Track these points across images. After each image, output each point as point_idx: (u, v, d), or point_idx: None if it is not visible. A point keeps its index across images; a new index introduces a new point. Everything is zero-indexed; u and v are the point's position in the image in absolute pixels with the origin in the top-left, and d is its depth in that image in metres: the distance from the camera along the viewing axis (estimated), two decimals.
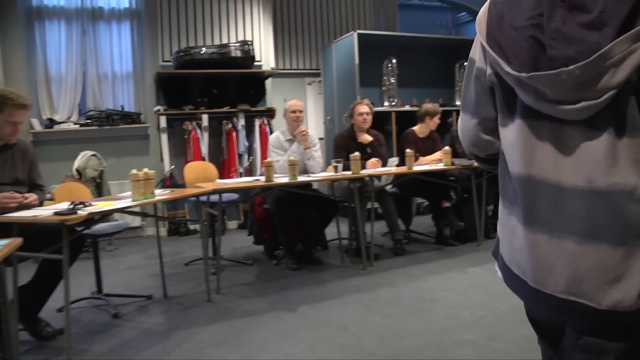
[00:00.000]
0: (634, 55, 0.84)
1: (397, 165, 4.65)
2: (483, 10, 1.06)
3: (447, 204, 4.64)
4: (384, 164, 4.47)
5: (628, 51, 0.84)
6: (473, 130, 1.13)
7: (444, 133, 5.41)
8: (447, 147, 4.51)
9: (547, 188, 0.96)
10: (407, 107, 6.22)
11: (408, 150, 4.28)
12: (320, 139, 6.78)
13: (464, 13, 9.77)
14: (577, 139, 0.92)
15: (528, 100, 0.95)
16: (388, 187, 4.69)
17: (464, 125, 1.16)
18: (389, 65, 6.21)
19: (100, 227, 3.44)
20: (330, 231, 4.53)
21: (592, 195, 0.91)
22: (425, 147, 4.82)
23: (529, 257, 0.99)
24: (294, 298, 3.37)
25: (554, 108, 0.92)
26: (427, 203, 6.09)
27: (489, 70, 1.04)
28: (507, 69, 0.95)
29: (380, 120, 6.08)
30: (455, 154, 4.89)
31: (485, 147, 1.15)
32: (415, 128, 4.86)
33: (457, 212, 4.79)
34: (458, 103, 6.45)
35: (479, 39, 1.05)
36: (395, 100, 6.23)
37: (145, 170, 3.05)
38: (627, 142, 0.89)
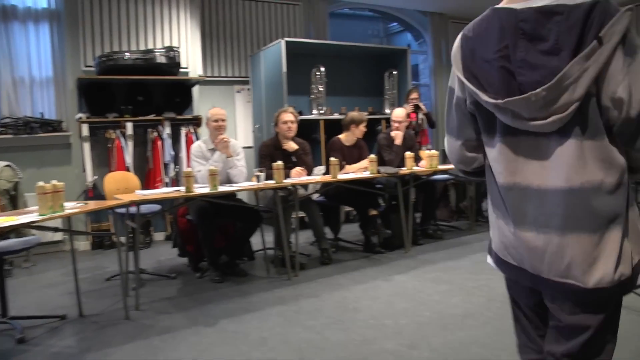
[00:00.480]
0: (588, 72, 1.04)
1: (324, 174, 4.64)
2: (456, 46, 1.25)
3: (373, 212, 4.67)
4: (310, 173, 4.45)
5: (583, 69, 1.04)
6: (459, 150, 1.33)
7: (373, 141, 5.45)
8: (372, 155, 4.54)
9: (531, 192, 1.15)
10: (336, 115, 6.24)
11: (332, 158, 4.28)
12: (249, 147, 6.72)
13: (395, 24, 9.95)
14: (551, 147, 1.12)
15: (507, 120, 1.14)
16: (315, 196, 4.67)
17: (451, 146, 1.35)
18: (318, 73, 6.22)
19: (6, 243, 3.21)
20: (258, 241, 4.45)
21: (569, 193, 1.10)
22: (352, 155, 4.83)
23: (523, 250, 1.20)
24: (214, 312, 3.27)
25: (530, 124, 1.11)
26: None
27: (468, 99, 1.23)
28: (485, 97, 1.14)
29: (308, 129, 6.07)
30: (382, 162, 4.94)
31: (470, 163, 1.34)
32: (342, 136, 4.87)
33: (384, 219, 4.84)
34: (387, 111, 6.54)
35: (456, 72, 1.23)
36: (324, 108, 6.24)
37: (54, 182, 2.88)
38: (592, 144, 1.09)
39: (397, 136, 5.05)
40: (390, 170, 4.52)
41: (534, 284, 1.23)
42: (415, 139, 5.56)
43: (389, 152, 5.05)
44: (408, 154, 4.74)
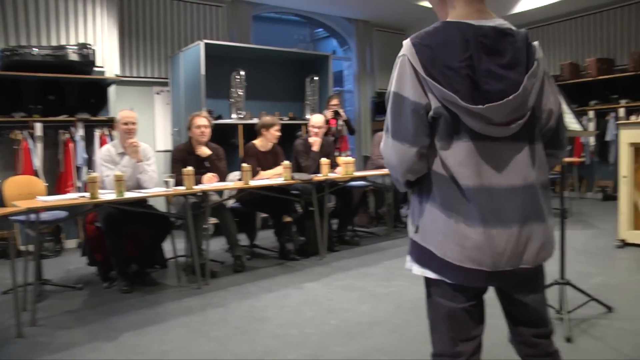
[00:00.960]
0: (535, 86, 1.28)
1: (239, 180, 4.59)
2: (410, 54, 1.27)
3: (288, 219, 4.66)
4: (223, 179, 4.38)
5: (532, 83, 1.27)
6: (412, 157, 1.31)
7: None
8: (286, 162, 4.52)
9: (495, 192, 1.28)
10: (255, 120, 6.19)
11: (244, 165, 4.23)
12: (168, 150, 6.55)
13: (320, 29, 10.03)
14: (509, 151, 1.29)
15: (476, 126, 1.25)
16: (231, 202, 4.61)
17: (402, 153, 1.31)
18: (237, 77, 6.16)
19: None
20: (172, 248, 4.31)
21: (525, 190, 1.30)
22: (267, 161, 4.81)
23: (487, 249, 1.28)
24: (118, 325, 3.14)
25: (497, 129, 1.26)
26: None
27: (435, 104, 1.26)
28: (463, 103, 1.23)
29: (227, 133, 6.00)
30: (299, 168, 4.95)
31: (418, 172, 1.34)
32: (256, 142, 4.84)
33: (300, 226, 4.84)
34: (308, 117, 6.56)
35: (420, 78, 1.26)
36: (244, 112, 6.18)
37: None
38: (536, 148, 1.33)
39: (315, 143, 5.08)
40: (304, 177, 4.53)
41: (488, 281, 1.34)
42: (333, 146, 5.61)
43: (305, 158, 5.07)
44: (324, 160, 4.77)
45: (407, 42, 1.31)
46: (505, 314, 1.49)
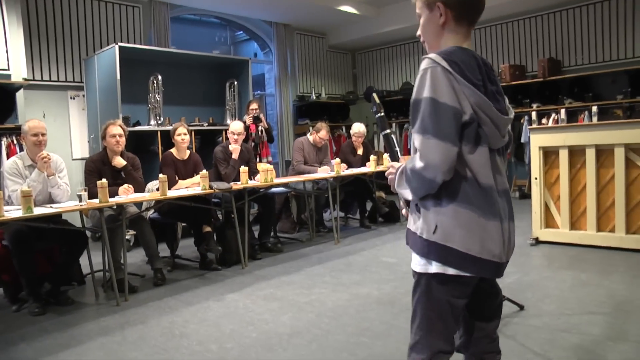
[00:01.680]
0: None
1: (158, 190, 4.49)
2: (443, 65, 1.40)
3: (207, 229, 4.61)
4: (141, 189, 4.28)
5: (510, 109, 1.56)
6: (454, 156, 1.40)
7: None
8: (204, 171, 4.47)
9: (499, 192, 1.49)
10: None
11: (161, 175, 4.15)
12: (85, 158, 6.28)
13: (240, 32, 9.97)
14: (496, 159, 1.51)
15: (492, 133, 1.45)
16: (149, 213, 4.51)
17: (446, 153, 1.38)
18: (155, 81, 6.01)
19: None
20: (94, 262, 4.14)
21: (506, 193, 1.53)
22: (186, 169, 4.75)
23: (499, 241, 1.46)
24: (26, 353, 2.98)
25: (499, 140, 1.49)
26: None
27: (470, 110, 1.41)
28: (494, 109, 1.44)
29: (146, 140, 5.85)
30: (218, 175, 4.93)
31: (452, 172, 1.43)
32: (173, 150, 4.76)
33: (221, 235, 4.81)
34: (229, 122, 6.52)
35: (456, 86, 1.40)
36: (162, 118, 6.05)
37: None
38: (503, 159, 1.59)
39: (235, 150, 5.07)
40: (223, 186, 4.51)
41: (494, 272, 1.49)
42: (253, 153, 5.62)
43: (225, 166, 5.05)
44: (243, 168, 4.78)
45: (435, 56, 1.42)
46: (474, 311, 1.63)
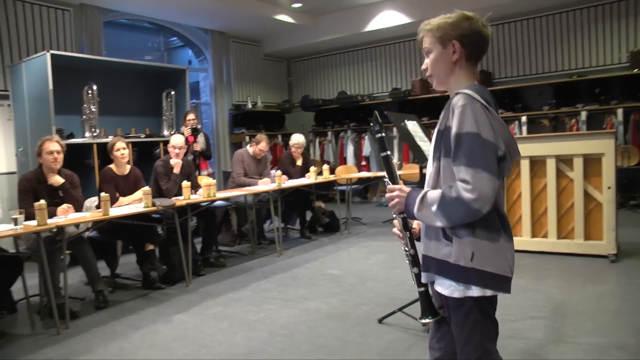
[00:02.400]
0: None
1: (97, 207, 4.32)
2: (484, 105, 1.53)
3: (150, 247, 4.47)
4: (80, 208, 4.10)
5: None
6: (497, 189, 1.50)
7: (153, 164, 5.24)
8: (147, 188, 4.35)
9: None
10: (110, 138, 5.85)
11: (103, 193, 3.99)
12: (12, 172, 5.91)
13: (174, 38, 9.75)
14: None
15: (510, 166, 1.60)
16: (88, 232, 4.32)
17: (494, 186, 1.47)
18: (89, 91, 5.76)
19: None
20: (20, 287, 3.89)
21: None
22: (127, 185, 4.60)
23: (512, 260, 1.61)
24: None
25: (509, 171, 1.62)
26: None
27: (503, 147, 1.52)
28: (517, 147, 1.62)
29: (81, 153, 5.60)
30: (159, 191, 4.80)
31: None
32: (112, 166, 4.60)
33: (164, 252, 4.69)
34: (166, 133, 6.38)
35: (495, 123, 1.52)
36: (98, 130, 5.80)
37: None
38: None
39: (176, 164, 4.97)
40: (167, 202, 4.40)
41: (509, 289, 1.61)
42: (193, 166, 5.52)
43: (166, 181, 4.94)
44: (185, 183, 4.70)
45: (472, 93, 1.53)
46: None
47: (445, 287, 1.60)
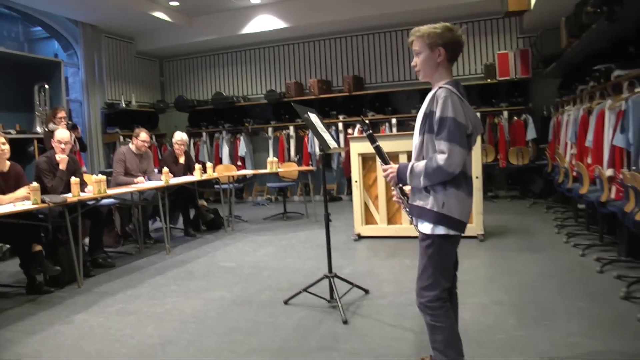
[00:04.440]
0: None
1: None
2: (458, 97, 2.07)
3: (38, 247, 4.16)
4: None
5: None
6: (465, 158, 2.09)
7: (26, 163, 4.88)
8: (35, 184, 4.08)
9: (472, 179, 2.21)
10: None
11: None
12: None
13: (38, 28, 8.98)
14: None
15: (474, 141, 2.16)
16: None
17: (463, 156, 2.06)
18: None
19: None
20: None
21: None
22: (7, 183, 4.25)
23: (468, 211, 2.17)
24: None
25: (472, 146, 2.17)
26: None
27: (470, 127, 2.09)
28: (481, 127, 2.23)
29: None
30: (43, 188, 4.51)
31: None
32: None
33: (51, 253, 4.39)
34: (39, 130, 5.94)
35: (466, 110, 2.08)
36: None
37: None
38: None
39: (62, 160, 4.70)
40: (58, 199, 4.17)
41: (463, 230, 2.18)
42: (79, 163, 5.25)
43: (51, 178, 4.65)
44: (74, 179, 4.47)
45: (450, 87, 2.07)
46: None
47: (422, 226, 2.18)
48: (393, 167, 2.21)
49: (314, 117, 3.61)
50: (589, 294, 3.52)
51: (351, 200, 9.16)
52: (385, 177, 2.24)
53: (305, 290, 3.64)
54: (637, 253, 4.15)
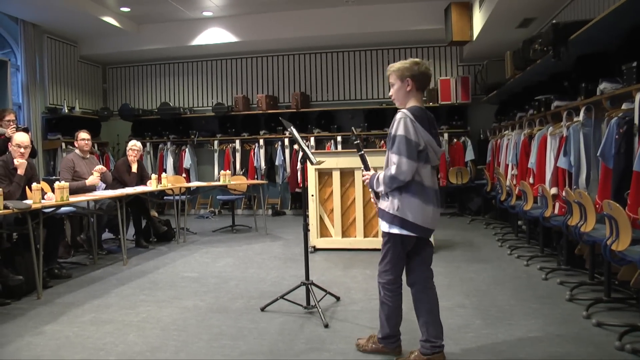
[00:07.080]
0: None
1: None
2: (411, 120, 2.53)
3: None
4: None
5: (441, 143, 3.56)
6: (414, 169, 2.53)
7: None
8: None
9: (435, 190, 2.64)
10: None
11: None
12: None
13: None
14: (433, 172, 2.69)
15: (433, 157, 2.61)
16: None
17: (412, 168, 2.52)
18: None
19: None
20: None
21: (438, 190, 2.68)
22: None
23: (431, 217, 2.61)
24: None
25: (436, 161, 2.63)
26: None
27: (423, 144, 2.53)
28: (435, 144, 2.60)
29: None
30: None
31: (411, 177, 2.56)
32: None
33: (9, 263, 4.17)
34: None
35: (418, 130, 2.53)
36: None
37: None
38: (435, 172, 2.78)
39: (21, 165, 4.53)
40: (22, 205, 4.02)
41: (428, 235, 2.66)
42: (36, 168, 5.05)
43: (7, 184, 4.46)
44: (35, 185, 4.32)
45: (407, 112, 2.53)
46: (420, 258, 2.74)
47: (382, 225, 2.69)
48: (369, 174, 2.79)
49: (295, 132, 3.76)
50: (539, 297, 3.93)
51: (295, 215, 9.44)
52: (364, 181, 2.83)
53: (282, 297, 3.75)
54: (575, 262, 4.64)
